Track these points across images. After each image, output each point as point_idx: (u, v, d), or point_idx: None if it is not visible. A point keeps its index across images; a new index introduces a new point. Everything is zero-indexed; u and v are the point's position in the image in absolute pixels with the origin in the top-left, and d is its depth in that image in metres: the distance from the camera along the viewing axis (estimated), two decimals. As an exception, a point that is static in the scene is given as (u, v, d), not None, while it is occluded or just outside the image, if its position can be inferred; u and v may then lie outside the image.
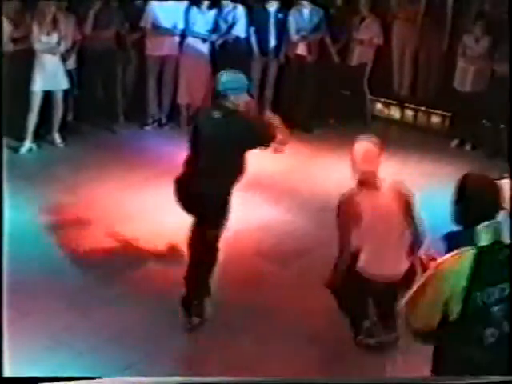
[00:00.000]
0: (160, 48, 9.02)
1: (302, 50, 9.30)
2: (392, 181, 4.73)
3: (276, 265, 5.83)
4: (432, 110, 9.56)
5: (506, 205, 4.96)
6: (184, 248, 5.18)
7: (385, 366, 4.44)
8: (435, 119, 9.55)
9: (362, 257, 4.59)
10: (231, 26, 9.16)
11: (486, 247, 2.76)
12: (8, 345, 3.17)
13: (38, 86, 8.00)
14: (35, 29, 7.83)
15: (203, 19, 9.08)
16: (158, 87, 9.25)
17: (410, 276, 4.46)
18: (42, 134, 8.34)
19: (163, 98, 9.30)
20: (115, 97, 9.11)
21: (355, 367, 4.51)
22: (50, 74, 8.01)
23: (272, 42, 9.28)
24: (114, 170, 7.56)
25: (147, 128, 9.16)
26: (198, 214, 4.90)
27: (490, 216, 2.84)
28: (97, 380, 2.95)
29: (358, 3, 9.35)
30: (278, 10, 9.25)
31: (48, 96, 8.14)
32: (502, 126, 8.39)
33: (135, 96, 9.34)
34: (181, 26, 9.00)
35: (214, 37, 9.12)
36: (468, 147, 8.88)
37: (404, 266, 4.55)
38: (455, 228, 3.02)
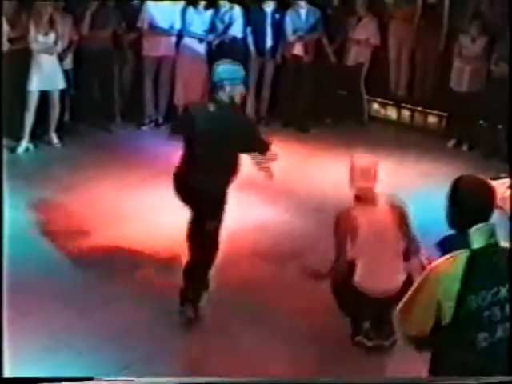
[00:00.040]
0: (157, 48, 9.02)
1: (298, 50, 9.32)
2: (387, 195, 4.79)
3: (273, 265, 5.83)
4: (429, 110, 9.57)
5: (505, 205, 4.98)
6: (181, 247, 5.19)
7: (384, 365, 4.44)
8: (432, 119, 9.57)
9: (358, 271, 4.66)
10: (228, 27, 9.17)
11: (480, 250, 2.74)
12: (8, 344, 3.17)
13: (35, 85, 8.00)
14: (32, 29, 7.84)
15: (200, 19, 9.09)
16: (154, 87, 9.26)
17: (407, 287, 4.48)
18: (38, 133, 8.35)
19: (160, 98, 9.31)
20: (112, 97, 9.11)
21: (354, 367, 4.51)
22: (46, 74, 8.01)
23: (269, 43, 9.30)
24: (110, 170, 7.56)
25: (144, 128, 9.17)
26: (196, 206, 4.90)
27: (483, 218, 2.81)
28: (96, 380, 2.95)
29: (355, 3, 9.37)
30: (275, 11, 9.27)
31: (45, 96, 8.14)
32: (499, 126, 8.40)
33: (132, 96, 9.35)
34: (177, 26, 9.02)
35: (210, 37, 9.13)
36: (465, 147, 8.90)
37: (401, 278, 4.58)
38: (451, 230, 3.02)
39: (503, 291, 2.72)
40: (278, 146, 8.55)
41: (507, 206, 5.31)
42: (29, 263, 5.51)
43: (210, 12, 9.14)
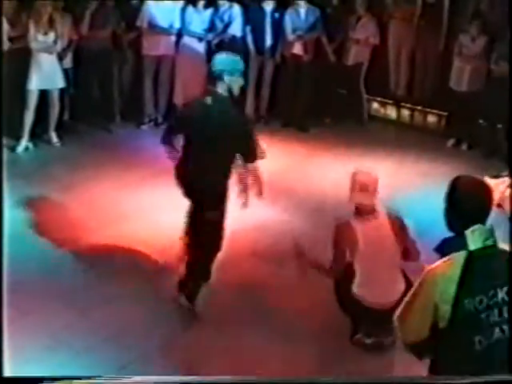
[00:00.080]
0: (156, 47, 9.03)
1: (298, 49, 9.31)
2: (386, 207, 4.82)
3: (272, 265, 5.83)
4: (428, 110, 9.58)
5: (505, 204, 4.98)
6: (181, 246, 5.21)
7: (384, 365, 4.44)
8: (431, 119, 9.57)
9: (357, 282, 4.71)
10: (227, 25, 9.17)
11: (477, 252, 2.71)
12: (8, 343, 3.16)
13: (35, 84, 8.00)
14: (32, 28, 7.84)
15: (199, 18, 9.10)
16: (154, 87, 9.26)
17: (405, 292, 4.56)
18: (38, 132, 8.35)
19: (159, 97, 9.31)
20: (111, 96, 9.11)
21: (354, 367, 4.51)
22: (46, 73, 8.02)
23: (268, 42, 9.30)
24: (110, 170, 7.56)
25: (143, 127, 9.17)
26: (195, 196, 4.92)
27: (481, 219, 2.79)
28: (96, 380, 2.95)
29: (355, 3, 9.37)
30: (275, 10, 9.27)
31: (44, 95, 8.14)
32: (499, 125, 8.40)
33: (131, 95, 9.35)
34: (177, 25, 9.02)
35: (210, 36, 9.13)
36: (464, 147, 8.90)
37: (399, 290, 4.58)
38: (450, 233, 3.01)
39: (501, 294, 2.70)
40: (277, 146, 8.68)
41: (507, 206, 5.33)
42: (29, 263, 5.52)
43: (209, 11, 9.14)
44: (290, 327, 4.95)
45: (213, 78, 4.88)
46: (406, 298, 2.84)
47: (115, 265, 5.66)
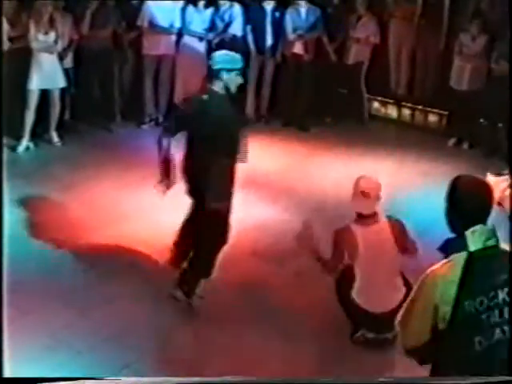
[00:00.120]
0: (157, 47, 9.03)
1: (298, 48, 9.31)
2: (386, 211, 4.83)
3: (273, 264, 5.83)
4: (429, 109, 9.57)
5: (505, 204, 4.97)
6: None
7: (385, 364, 4.44)
8: (432, 118, 9.56)
9: (356, 288, 4.72)
10: (228, 25, 9.17)
11: (477, 252, 2.69)
12: (8, 343, 3.17)
13: (35, 84, 8.00)
14: (32, 28, 7.84)
15: (200, 18, 9.10)
16: (154, 86, 9.27)
17: (405, 296, 4.61)
18: (39, 132, 8.35)
19: (160, 96, 9.31)
20: (112, 96, 9.12)
21: (354, 366, 4.51)
22: (47, 73, 8.02)
23: (269, 41, 9.30)
24: (111, 169, 7.56)
25: (144, 127, 9.16)
26: (200, 191, 4.92)
27: (482, 218, 2.77)
28: (96, 380, 2.95)
29: (355, 2, 9.37)
30: (275, 9, 9.27)
31: (45, 95, 8.15)
32: (499, 124, 8.40)
33: (132, 95, 9.36)
34: (177, 24, 9.02)
35: (210, 35, 9.14)
36: (465, 146, 8.90)
37: (399, 296, 4.58)
38: (452, 233, 2.99)
39: (502, 294, 2.68)
40: (278, 145, 8.68)
41: (507, 205, 5.32)
42: (29, 262, 5.52)
43: (209, 10, 9.15)
44: (291, 326, 4.94)
45: (211, 75, 4.89)
46: (407, 302, 2.82)
47: (115, 264, 5.66)
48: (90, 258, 5.77)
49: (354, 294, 4.72)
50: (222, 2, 9.16)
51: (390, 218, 4.79)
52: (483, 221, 2.78)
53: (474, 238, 2.71)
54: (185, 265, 5.18)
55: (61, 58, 8.18)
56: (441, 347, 2.73)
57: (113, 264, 5.67)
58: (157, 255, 5.75)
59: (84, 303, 5.09)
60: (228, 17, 9.16)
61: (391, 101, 9.92)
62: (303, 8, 9.23)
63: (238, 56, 5.02)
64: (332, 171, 7.72)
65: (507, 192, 6.06)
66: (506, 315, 2.69)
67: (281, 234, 6.30)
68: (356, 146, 8.50)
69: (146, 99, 9.24)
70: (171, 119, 5.12)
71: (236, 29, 9.15)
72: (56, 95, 8.20)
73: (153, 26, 8.91)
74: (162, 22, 8.93)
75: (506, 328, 2.69)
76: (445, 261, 2.74)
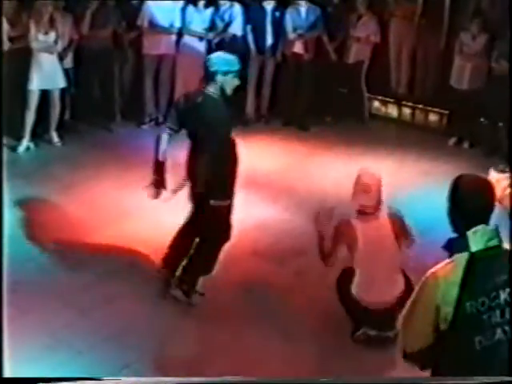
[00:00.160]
0: (157, 47, 9.03)
1: (298, 48, 9.31)
2: (387, 207, 4.82)
3: (273, 264, 5.83)
4: (430, 108, 9.57)
5: (505, 202, 4.96)
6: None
7: (386, 363, 4.43)
8: (433, 117, 9.56)
9: (356, 283, 4.73)
10: (228, 25, 9.17)
11: (479, 253, 2.67)
12: (8, 343, 3.17)
13: (36, 84, 8.00)
14: (32, 28, 7.84)
15: (200, 17, 9.10)
16: (154, 86, 9.26)
17: (406, 298, 4.61)
18: (39, 132, 8.36)
19: (160, 96, 9.31)
20: (112, 96, 9.12)
21: (355, 365, 4.50)
22: (47, 73, 8.02)
23: (269, 41, 9.30)
24: (111, 169, 7.56)
25: (144, 127, 9.16)
26: (200, 194, 4.94)
27: (484, 217, 2.75)
28: (96, 380, 2.95)
29: (355, 1, 9.37)
30: (275, 9, 9.27)
31: (45, 95, 8.15)
32: (500, 123, 8.39)
33: (132, 95, 9.36)
34: (177, 24, 9.02)
35: (210, 35, 9.13)
36: (466, 145, 8.90)
37: (398, 290, 4.64)
38: (454, 233, 2.97)
39: (503, 295, 2.67)
40: (278, 145, 8.68)
41: (507, 203, 5.32)
42: (29, 262, 5.52)
43: (209, 10, 9.15)
44: (291, 325, 4.94)
45: (206, 77, 4.90)
46: (408, 304, 2.79)
47: (115, 264, 5.66)
48: (90, 257, 5.77)
49: (354, 289, 4.73)
50: (221, 2, 9.16)
51: (390, 213, 4.79)
52: (485, 221, 2.75)
53: (476, 239, 2.69)
54: (184, 262, 5.18)
55: (61, 58, 8.18)
56: (442, 347, 2.72)
57: (113, 264, 5.66)
58: (157, 255, 5.74)
59: (84, 303, 5.09)
60: (228, 16, 9.16)
61: (391, 100, 9.92)
62: (303, 7, 9.23)
63: (234, 58, 5.02)
64: (332, 171, 7.71)
65: (507, 191, 6.05)
66: (508, 315, 2.68)
67: (281, 234, 6.31)
68: (356, 146, 8.49)
69: (146, 99, 9.24)
70: (172, 112, 5.11)
71: (236, 28, 9.15)
72: (56, 95, 8.20)
73: (153, 25, 8.91)
74: (162, 21, 8.93)
75: (507, 328, 2.68)
76: (446, 261, 2.72)
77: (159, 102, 9.31)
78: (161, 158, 5.00)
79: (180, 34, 9.10)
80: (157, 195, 5.10)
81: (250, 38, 9.23)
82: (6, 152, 7.49)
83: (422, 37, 9.45)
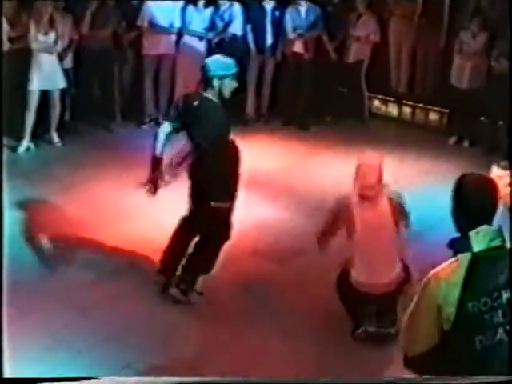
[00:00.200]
0: (157, 47, 9.03)
1: (298, 47, 9.31)
2: (387, 193, 4.82)
3: (273, 263, 5.83)
4: (430, 107, 9.56)
5: (505, 201, 4.93)
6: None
7: (386, 362, 4.43)
8: (433, 116, 9.56)
9: (355, 269, 4.74)
10: (228, 24, 9.17)
11: (481, 254, 2.65)
12: (8, 343, 3.17)
13: (36, 85, 8.00)
14: (32, 28, 7.85)
15: (200, 17, 9.10)
16: (154, 86, 9.26)
17: (404, 282, 4.72)
18: (39, 133, 8.36)
19: (160, 96, 9.31)
20: (112, 96, 9.12)
21: (355, 364, 4.50)
22: (47, 74, 8.02)
23: (269, 40, 9.29)
24: (111, 169, 7.56)
25: (144, 127, 9.15)
26: (205, 189, 4.95)
27: (488, 217, 2.73)
28: (96, 380, 2.95)
29: (355, 0, 9.36)
30: (275, 8, 9.27)
31: (45, 95, 8.15)
32: (500, 122, 8.39)
33: (132, 95, 9.36)
34: (177, 24, 9.02)
35: (210, 35, 9.13)
36: (466, 144, 8.90)
37: (396, 270, 4.67)
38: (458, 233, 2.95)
39: (506, 295, 2.65)
40: (278, 144, 8.68)
41: (507, 202, 5.30)
42: (29, 262, 5.53)
43: (209, 10, 9.15)
44: (291, 325, 4.95)
45: (204, 82, 4.92)
46: (410, 306, 2.77)
47: (116, 264, 5.66)
48: (90, 257, 5.77)
49: (352, 273, 4.72)
50: (221, 2, 9.16)
51: (389, 197, 4.77)
52: (489, 221, 2.73)
53: (479, 239, 2.67)
54: (184, 262, 5.18)
55: (61, 58, 8.19)
56: (444, 348, 2.70)
57: (113, 264, 5.67)
58: (157, 255, 5.74)
59: (84, 303, 5.09)
60: (228, 16, 9.16)
61: (392, 99, 9.92)
62: (303, 7, 9.23)
63: (231, 61, 5.05)
64: (332, 170, 7.71)
65: (507, 189, 6.04)
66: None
67: (281, 233, 6.32)
68: (356, 145, 8.43)
69: (146, 99, 9.24)
70: (171, 113, 5.13)
71: (236, 28, 9.15)
72: (56, 96, 8.21)
73: (153, 25, 8.91)
74: (162, 21, 8.93)
75: (509, 328, 2.67)
76: (449, 261, 2.70)
77: (159, 102, 9.31)
78: (158, 154, 5.02)
79: (180, 34, 9.10)
80: (154, 192, 5.09)
81: (250, 37, 9.23)
82: (6, 152, 7.49)
83: (422, 36, 9.46)
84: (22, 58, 7.86)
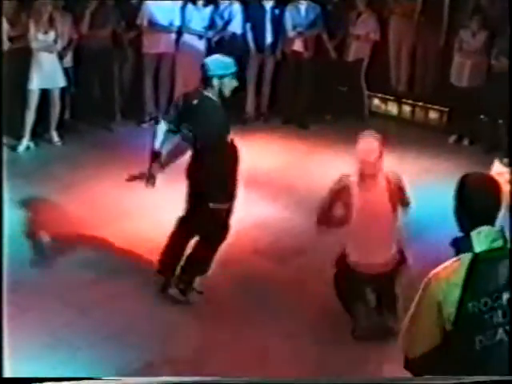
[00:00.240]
0: (156, 45, 9.03)
1: (298, 46, 9.31)
2: (386, 171, 4.83)
3: (273, 262, 5.83)
4: (430, 106, 9.56)
5: (505, 197, 4.94)
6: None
7: (383, 364, 4.44)
8: (433, 115, 9.55)
9: (352, 250, 4.76)
10: (227, 23, 9.17)
11: (482, 254, 2.63)
12: (8, 341, 3.17)
13: (35, 84, 8.01)
14: (32, 27, 7.85)
15: (199, 16, 9.10)
16: (154, 85, 9.26)
17: (400, 263, 4.76)
18: (39, 132, 8.36)
19: (160, 95, 9.31)
20: (112, 95, 9.12)
21: (354, 364, 4.51)
22: (47, 72, 8.03)
23: (268, 39, 9.29)
24: (111, 168, 7.54)
25: (144, 126, 9.14)
26: (204, 190, 4.96)
27: (489, 219, 2.70)
28: (97, 380, 2.95)
29: (355, -1, 9.37)
30: (275, 6, 9.26)
31: (45, 94, 8.15)
32: (500, 121, 8.38)
33: (132, 94, 9.35)
34: (177, 23, 9.02)
35: (210, 33, 9.14)
36: (466, 142, 8.89)
37: (391, 251, 4.71)
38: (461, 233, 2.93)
39: (506, 296, 2.63)
40: (278, 143, 8.68)
41: (507, 198, 5.31)
42: (29, 261, 5.53)
43: (209, 8, 9.15)
44: (291, 324, 4.95)
45: (204, 81, 4.92)
46: (411, 307, 2.75)
47: (115, 263, 5.67)
48: (90, 257, 5.78)
49: (349, 255, 4.74)
50: (221, 0, 9.15)
51: (388, 177, 4.77)
52: (492, 221, 2.71)
53: (480, 239, 2.66)
54: (182, 262, 5.18)
55: (60, 57, 8.19)
56: (446, 349, 2.69)
57: (113, 263, 5.67)
58: (157, 254, 5.75)
59: (84, 302, 5.10)
60: (227, 15, 9.16)
61: (391, 98, 9.91)
62: (303, 5, 9.23)
63: (230, 60, 5.06)
64: (332, 169, 7.64)
65: (508, 186, 6.04)
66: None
67: (281, 232, 6.31)
68: (356, 144, 8.46)
69: (146, 98, 9.23)
70: (170, 111, 5.15)
71: (235, 27, 9.15)
72: (56, 95, 8.21)
73: (152, 24, 8.91)
74: (162, 20, 8.93)
75: (509, 328, 2.66)
76: (449, 262, 2.69)
77: (159, 101, 9.30)
78: (157, 149, 5.04)
79: (179, 33, 9.10)
80: (152, 184, 5.10)
81: (250, 36, 9.23)
82: (6, 151, 7.49)
83: (422, 34, 9.45)
84: (22, 57, 7.87)
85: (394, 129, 9.46)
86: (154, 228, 6.15)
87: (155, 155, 5.07)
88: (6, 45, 7.70)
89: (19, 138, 8.10)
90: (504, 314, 2.65)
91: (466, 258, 2.65)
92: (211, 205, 4.90)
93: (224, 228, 5.10)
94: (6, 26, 7.73)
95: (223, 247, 5.20)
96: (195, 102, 4.90)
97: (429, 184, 7.15)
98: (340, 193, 4.78)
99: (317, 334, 4.83)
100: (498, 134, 8.42)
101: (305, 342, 4.75)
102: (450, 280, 2.64)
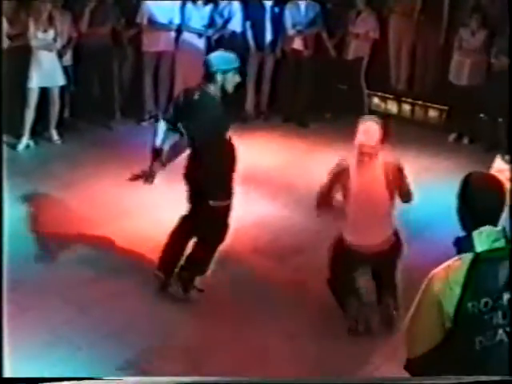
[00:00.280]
0: (156, 44, 9.03)
1: (298, 44, 9.31)
2: (385, 157, 4.84)
3: (273, 261, 5.83)
4: (429, 104, 9.57)
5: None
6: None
7: (383, 364, 4.44)
8: (432, 113, 9.56)
9: (347, 231, 4.76)
10: (227, 21, 9.17)
11: (483, 254, 2.62)
12: (8, 340, 3.17)
13: (35, 82, 8.00)
14: (31, 26, 7.85)
15: (199, 14, 9.10)
16: (154, 83, 9.26)
17: (396, 244, 4.77)
18: (38, 130, 8.36)
19: (160, 93, 9.30)
20: (112, 93, 9.12)
21: (354, 364, 4.50)
22: (46, 71, 8.02)
23: (268, 37, 9.30)
24: (111, 167, 7.54)
25: (144, 124, 9.15)
26: (202, 189, 4.96)
27: (492, 219, 2.69)
28: (97, 380, 2.95)
29: (355, -3, 9.36)
30: (274, 5, 9.27)
31: (45, 93, 8.15)
32: (500, 119, 8.39)
33: (132, 92, 9.36)
34: (177, 21, 9.02)
35: (209, 32, 9.14)
36: (465, 141, 8.90)
37: (387, 232, 4.72)
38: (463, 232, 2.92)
39: (506, 296, 2.62)
40: (277, 141, 8.68)
41: (507, 196, 5.29)
42: (29, 260, 5.53)
43: (209, 7, 9.15)
44: (290, 322, 4.95)
45: (206, 77, 4.91)
46: (412, 308, 2.74)
47: (116, 261, 5.67)
48: (90, 254, 5.78)
49: (345, 237, 4.75)
50: (221, -1, 9.17)
51: (388, 164, 4.78)
52: (495, 221, 2.70)
53: (482, 239, 2.65)
54: (183, 261, 5.19)
55: (60, 55, 8.19)
56: (446, 348, 2.68)
57: (113, 261, 5.67)
58: (157, 253, 5.75)
59: (84, 300, 5.09)
60: (227, 13, 9.16)
61: (391, 96, 9.92)
62: (302, 4, 9.24)
63: (232, 55, 5.03)
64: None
65: (508, 184, 6.04)
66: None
67: (281, 231, 6.31)
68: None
69: (145, 96, 9.24)
70: (170, 108, 5.15)
71: (235, 25, 9.15)
72: (55, 93, 8.21)
73: (152, 22, 8.91)
74: (161, 18, 8.93)
75: (509, 329, 2.65)
76: (450, 261, 2.68)
77: (159, 99, 9.30)
78: (158, 146, 5.05)
79: (179, 31, 9.09)
80: (151, 182, 5.10)
81: (250, 34, 9.23)
82: (5, 150, 7.48)
83: (422, 33, 9.46)
84: (22, 56, 7.86)
85: (393, 127, 9.45)
86: (154, 226, 6.15)
87: (156, 153, 5.06)
88: (6, 43, 7.70)
89: (19, 136, 8.10)
90: (504, 315, 2.64)
91: (467, 257, 2.64)
92: (211, 202, 4.91)
93: (224, 227, 5.09)
94: (5, 24, 7.72)
95: (223, 245, 5.20)
96: (196, 97, 4.88)
97: (428, 183, 7.12)
98: (339, 175, 4.78)
99: (317, 333, 4.82)
100: (497, 133, 8.43)
101: (304, 341, 4.75)
102: (451, 279, 2.64)
